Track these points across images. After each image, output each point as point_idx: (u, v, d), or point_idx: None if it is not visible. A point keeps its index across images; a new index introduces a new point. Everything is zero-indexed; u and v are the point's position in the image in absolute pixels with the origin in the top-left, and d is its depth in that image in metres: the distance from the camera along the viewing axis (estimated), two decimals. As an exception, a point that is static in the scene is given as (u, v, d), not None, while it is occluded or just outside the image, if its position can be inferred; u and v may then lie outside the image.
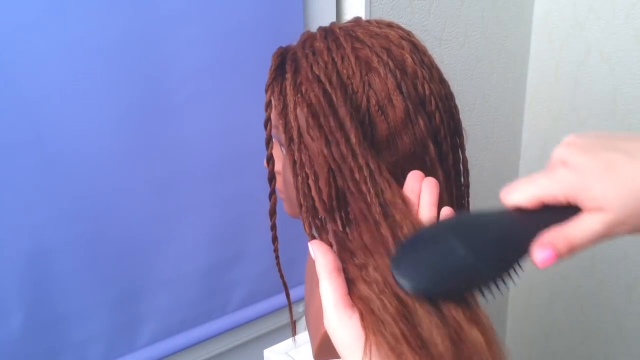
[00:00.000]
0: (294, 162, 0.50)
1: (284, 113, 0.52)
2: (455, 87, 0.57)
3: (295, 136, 0.50)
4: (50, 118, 0.74)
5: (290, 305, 0.65)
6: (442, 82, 0.55)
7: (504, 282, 0.39)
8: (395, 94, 0.50)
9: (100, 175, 0.80)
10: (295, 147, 0.50)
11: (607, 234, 0.38)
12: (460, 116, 0.57)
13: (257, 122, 0.56)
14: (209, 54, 0.85)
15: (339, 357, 0.58)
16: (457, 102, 0.57)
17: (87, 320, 0.84)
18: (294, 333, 0.67)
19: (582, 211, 0.39)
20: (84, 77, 0.75)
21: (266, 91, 0.55)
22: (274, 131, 0.56)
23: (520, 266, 0.39)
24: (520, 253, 0.40)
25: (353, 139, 0.48)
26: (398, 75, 0.51)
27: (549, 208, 0.40)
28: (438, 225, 0.42)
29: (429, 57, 0.55)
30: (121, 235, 0.84)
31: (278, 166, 0.59)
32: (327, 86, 0.50)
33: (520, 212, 0.41)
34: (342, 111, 0.49)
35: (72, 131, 0.76)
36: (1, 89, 0.70)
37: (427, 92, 0.52)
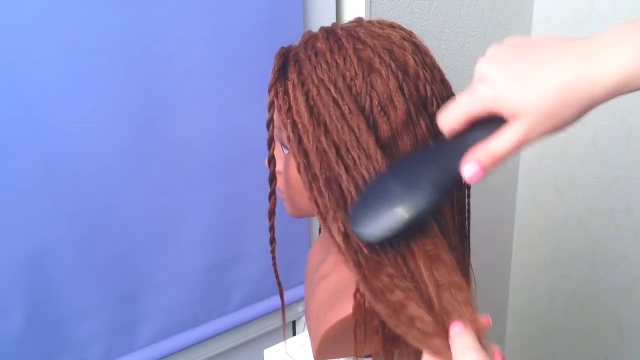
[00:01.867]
0: (302, 164, 0.50)
1: (289, 114, 0.52)
2: (455, 87, 0.57)
3: (303, 137, 0.51)
4: (50, 118, 0.74)
5: (283, 307, 0.65)
6: (444, 83, 0.55)
7: (444, 201, 0.46)
8: (397, 95, 0.50)
9: (100, 175, 0.80)
10: (301, 148, 0.51)
11: (527, 140, 0.42)
12: None
13: (257, 122, 0.56)
14: (209, 54, 0.85)
15: (339, 357, 0.59)
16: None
17: (87, 320, 0.84)
18: (284, 334, 0.67)
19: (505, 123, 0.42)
20: (84, 77, 0.75)
21: (269, 92, 0.55)
22: (276, 131, 0.56)
23: (452, 187, 0.46)
24: (450, 175, 0.44)
25: (367, 142, 0.49)
26: (400, 77, 0.51)
27: (480, 126, 0.44)
28: (380, 173, 0.47)
29: (431, 57, 0.55)
30: (121, 235, 0.84)
31: (279, 166, 0.59)
32: (333, 90, 0.50)
33: (452, 137, 0.45)
34: (352, 114, 0.49)
35: (72, 131, 0.76)
36: (1, 89, 0.70)
37: (429, 93, 0.52)
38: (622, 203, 1.27)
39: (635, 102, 1.21)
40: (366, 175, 0.48)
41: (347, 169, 0.49)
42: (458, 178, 0.44)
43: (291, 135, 0.51)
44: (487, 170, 0.42)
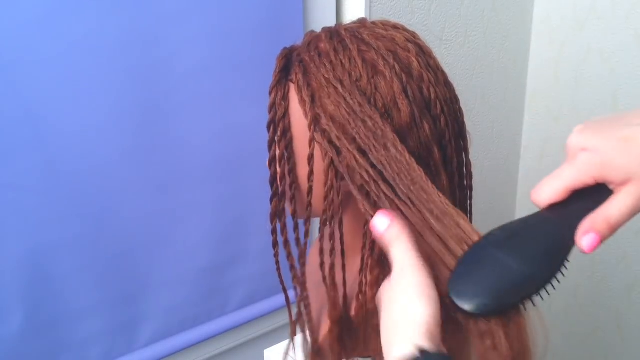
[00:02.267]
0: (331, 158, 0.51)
1: (286, 117, 0.53)
2: (455, 87, 0.57)
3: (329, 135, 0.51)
4: (50, 118, 0.74)
5: (290, 310, 0.65)
6: (448, 85, 0.55)
7: (557, 280, 0.41)
8: (401, 97, 0.50)
9: (101, 175, 0.80)
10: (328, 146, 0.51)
11: None
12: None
13: (256, 122, 0.56)
14: (209, 54, 0.85)
15: (332, 358, 0.58)
16: (461, 104, 0.57)
17: (87, 320, 0.84)
18: (292, 334, 0.66)
19: (612, 191, 0.42)
20: (84, 77, 0.75)
21: (270, 93, 0.55)
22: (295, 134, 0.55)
23: (567, 260, 0.42)
24: (567, 249, 0.42)
25: (384, 132, 0.49)
26: (404, 79, 0.50)
27: (580, 196, 0.42)
28: (481, 243, 0.43)
29: (435, 59, 0.55)
30: (121, 235, 0.84)
31: (284, 169, 0.58)
32: (340, 88, 0.50)
33: (552, 209, 0.43)
34: (364, 108, 0.49)
35: (72, 131, 0.76)
36: (1, 89, 0.70)
37: (433, 95, 0.52)
38: (622, 203, 1.27)
39: (635, 102, 1.21)
40: (387, 165, 0.48)
41: (369, 163, 0.49)
42: (569, 253, 0.42)
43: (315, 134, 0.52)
44: (604, 239, 0.42)
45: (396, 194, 0.48)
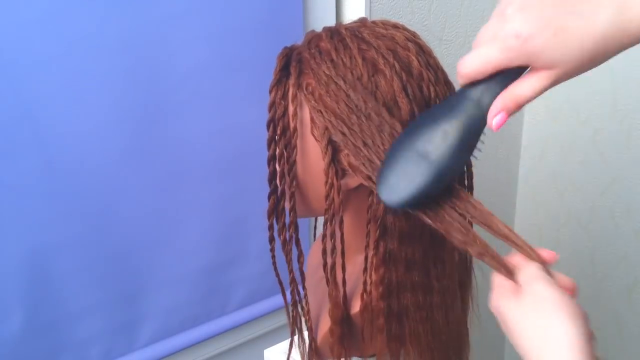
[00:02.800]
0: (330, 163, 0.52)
1: (285, 116, 0.53)
2: (455, 87, 0.57)
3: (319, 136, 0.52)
4: (50, 118, 0.74)
5: (287, 305, 0.65)
6: (448, 84, 0.55)
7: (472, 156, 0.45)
8: (400, 96, 0.50)
9: (101, 175, 0.80)
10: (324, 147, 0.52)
11: (552, 86, 0.42)
12: None
13: (257, 122, 0.56)
14: (209, 54, 0.85)
15: (333, 358, 0.59)
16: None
17: (87, 320, 0.84)
18: (292, 334, 0.67)
19: (527, 69, 0.42)
20: (84, 77, 0.75)
21: (270, 92, 0.55)
22: (303, 129, 0.55)
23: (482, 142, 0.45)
24: (479, 130, 0.45)
25: (393, 125, 0.49)
26: (404, 77, 0.51)
27: (500, 73, 0.44)
28: (400, 137, 0.47)
29: (435, 58, 0.55)
30: (121, 235, 0.84)
31: (283, 166, 0.58)
32: (343, 84, 0.50)
33: (469, 86, 0.45)
34: (368, 103, 0.49)
35: (72, 131, 0.76)
36: (1, 89, 0.70)
37: (433, 94, 0.52)
38: (622, 203, 1.27)
39: (635, 102, 1.21)
40: None
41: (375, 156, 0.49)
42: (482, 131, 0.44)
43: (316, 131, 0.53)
44: (510, 115, 0.43)
45: None
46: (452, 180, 0.46)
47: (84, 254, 0.81)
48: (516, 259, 0.45)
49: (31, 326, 0.79)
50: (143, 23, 0.78)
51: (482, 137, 0.47)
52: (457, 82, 0.57)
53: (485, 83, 0.44)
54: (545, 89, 0.42)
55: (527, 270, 0.43)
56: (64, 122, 0.75)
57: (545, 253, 0.45)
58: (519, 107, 0.43)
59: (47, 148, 0.75)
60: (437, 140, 0.44)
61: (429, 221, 0.46)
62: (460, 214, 0.47)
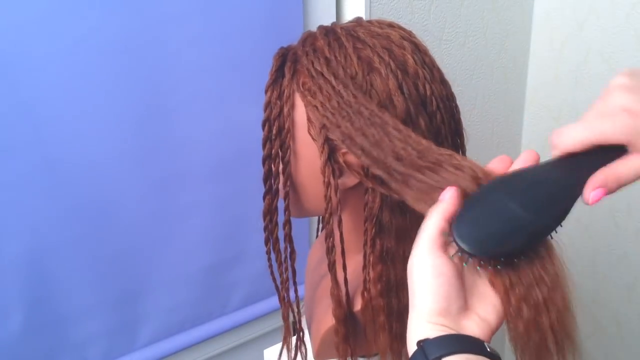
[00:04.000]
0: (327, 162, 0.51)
1: (288, 112, 0.53)
2: (455, 87, 0.57)
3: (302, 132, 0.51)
4: (50, 118, 0.74)
5: (282, 308, 0.65)
6: (443, 82, 0.55)
7: (558, 227, 0.43)
8: (396, 94, 0.50)
9: (100, 175, 0.80)
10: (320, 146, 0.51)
11: None
12: (461, 116, 0.57)
13: (257, 122, 0.56)
14: (209, 54, 0.85)
15: (338, 357, 0.59)
16: (457, 102, 0.57)
17: (87, 320, 0.84)
18: (287, 334, 0.67)
19: (626, 151, 0.42)
20: (83, 77, 0.75)
21: (266, 92, 0.55)
22: (301, 130, 0.55)
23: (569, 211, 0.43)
24: (573, 199, 0.43)
25: (383, 120, 0.48)
26: (399, 76, 0.51)
27: (592, 150, 0.43)
28: (489, 187, 0.44)
29: (430, 57, 0.55)
30: (121, 235, 0.84)
31: (279, 167, 0.59)
32: (333, 81, 0.50)
33: (566, 157, 0.44)
34: (358, 99, 0.49)
35: (72, 131, 0.76)
36: (1, 89, 0.70)
37: (428, 92, 0.52)
38: (622, 203, 1.27)
39: (635, 102, 1.21)
40: (391, 147, 0.48)
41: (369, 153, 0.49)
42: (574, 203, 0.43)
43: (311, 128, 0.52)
44: (608, 194, 0.43)
45: (404, 173, 0.47)
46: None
47: (83, 254, 0.81)
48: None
49: (31, 326, 0.79)
50: (143, 23, 0.78)
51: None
52: (453, 81, 0.57)
53: (582, 157, 0.43)
54: None
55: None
56: (64, 121, 0.75)
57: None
58: (619, 186, 0.42)
59: (47, 148, 0.75)
60: (532, 199, 0.42)
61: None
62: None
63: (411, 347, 0.40)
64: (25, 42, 0.70)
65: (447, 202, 0.42)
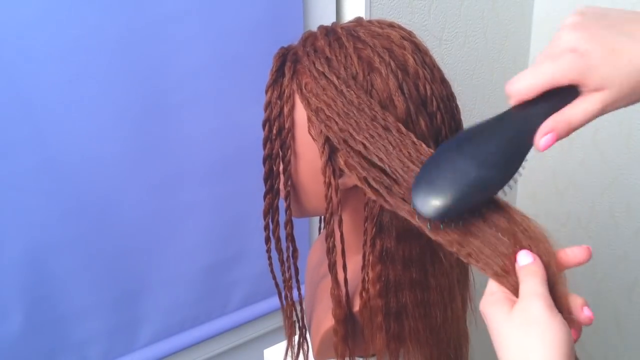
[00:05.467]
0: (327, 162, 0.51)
1: (290, 113, 0.53)
2: (455, 87, 0.57)
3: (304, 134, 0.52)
4: (50, 118, 0.74)
5: (284, 307, 0.65)
6: (444, 82, 0.55)
7: (514, 181, 0.43)
8: (396, 94, 0.50)
9: (100, 175, 0.80)
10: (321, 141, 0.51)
11: (604, 111, 0.42)
12: (461, 116, 0.57)
13: (257, 122, 0.56)
14: (209, 54, 0.85)
15: (337, 357, 0.59)
16: (457, 102, 0.57)
17: (87, 320, 0.84)
18: (292, 333, 0.67)
19: (579, 93, 0.42)
20: (83, 77, 0.75)
21: (266, 92, 0.55)
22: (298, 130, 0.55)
23: (525, 160, 0.43)
24: (526, 149, 0.43)
25: (386, 121, 0.48)
26: (400, 76, 0.51)
27: (546, 95, 0.43)
28: (444, 146, 0.45)
29: (431, 57, 0.55)
30: (121, 235, 0.84)
31: (279, 167, 0.59)
32: (335, 80, 0.50)
33: (521, 106, 0.44)
34: (361, 99, 0.49)
35: (72, 131, 0.76)
36: (1, 89, 0.70)
37: (429, 92, 0.52)
38: (622, 203, 1.27)
39: (635, 102, 1.21)
40: (391, 149, 0.48)
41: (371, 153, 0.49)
42: (527, 152, 0.43)
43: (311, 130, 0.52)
44: (559, 139, 0.43)
45: (402, 179, 0.47)
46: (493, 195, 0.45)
47: (83, 254, 0.81)
48: (520, 255, 0.43)
49: (31, 326, 0.79)
50: (143, 23, 0.78)
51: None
52: (453, 81, 0.57)
53: (536, 103, 0.43)
54: (596, 113, 0.41)
55: (527, 284, 0.41)
56: (64, 121, 0.75)
57: (569, 256, 0.44)
58: (569, 130, 0.42)
59: (47, 147, 0.75)
60: (483, 155, 0.43)
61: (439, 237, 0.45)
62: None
63: None
64: (25, 41, 0.70)
65: (539, 268, 0.42)
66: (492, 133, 0.44)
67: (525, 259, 0.42)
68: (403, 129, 0.48)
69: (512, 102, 0.45)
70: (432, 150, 0.47)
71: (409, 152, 0.47)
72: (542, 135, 0.42)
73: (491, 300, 0.42)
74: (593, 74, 0.40)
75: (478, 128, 0.45)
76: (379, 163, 0.48)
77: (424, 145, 0.47)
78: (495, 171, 0.43)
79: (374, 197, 0.48)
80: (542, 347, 0.37)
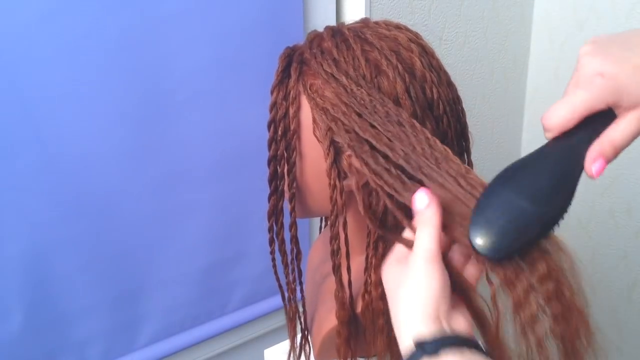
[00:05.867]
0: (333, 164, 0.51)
1: (297, 114, 0.53)
2: (457, 88, 0.57)
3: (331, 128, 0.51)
4: (50, 118, 0.74)
5: (287, 308, 0.65)
6: (450, 85, 0.55)
7: (566, 212, 0.43)
8: (403, 97, 0.50)
9: (100, 175, 0.80)
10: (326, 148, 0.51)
11: None
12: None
13: (257, 122, 0.56)
14: (209, 54, 0.85)
15: (339, 358, 0.58)
16: (463, 105, 0.57)
17: (87, 320, 0.84)
18: (294, 333, 0.67)
19: (615, 115, 0.43)
20: (84, 77, 0.75)
21: (272, 93, 0.55)
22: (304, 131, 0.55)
23: (575, 190, 0.43)
24: (575, 180, 0.43)
25: (400, 116, 0.48)
26: (407, 79, 0.50)
27: (585, 122, 0.43)
28: (494, 187, 0.44)
29: (437, 60, 0.55)
30: (121, 235, 0.84)
31: (303, 166, 0.58)
32: (345, 80, 0.50)
33: (561, 137, 0.44)
34: (373, 96, 0.49)
35: (72, 131, 0.76)
36: (1, 89, 0.70)
37: (435, 96, 0.52)
38: (622, 203, 1.27)
39: (635, 102, 1.21)
40: (405, 150, 0.47)
41: (386, 153, 0.48)
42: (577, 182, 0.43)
43: (318, 130, 0.52)
44: (609, 162, 0.43)
45: (421, 175, 0.47)
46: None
47: (83, 254, 0.81)
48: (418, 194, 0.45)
49: (31, 326, 0.78)
50: (143, 23, 0.78)
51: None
52: (453, 81, 0.57)
53: (574, 133, 0.43)
54: (635, 131, 0.42)
55: (418, 236, 0.44)
56: (64, 121, 0.75)
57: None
58: (616, 152, 0.43)
59: (47, 148, 0.75)
60: (540, 192, 0.43)
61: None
62: None
63: (405, 349, 0.41)
64: (25, 41, 0.70)
65: (433, 213, 0.44)
66: (542, 168, 0.44)
67: (421, 201, 0.44)
68: (417, 125, 0.48)
69: (551, 135, 0.45)
70: (445, 147, 0.47)
71: (422, 149, 0.47)
72: (592, 162, 0.43)
73: (389, 260, 0.46)
74: (624, 93, 0.41)
75: (525, 164, 0.45)
76: (396, 159, 0.47)
77: (437, 142, 0.47)
78: (550, 206, 0.43)
79: (385, 198, 0.48)
80: (414, 295, 0.42)
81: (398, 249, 0.47)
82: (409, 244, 0.45)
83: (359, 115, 0.49)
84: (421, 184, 0.46)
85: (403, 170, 0.47)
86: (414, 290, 0.42)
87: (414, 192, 0.46)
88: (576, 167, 0.43)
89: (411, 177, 0.47)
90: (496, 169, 0.45)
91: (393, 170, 0.47)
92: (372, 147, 0.48)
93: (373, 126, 0.49)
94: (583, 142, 0.43)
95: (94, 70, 0.76)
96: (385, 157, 0.48)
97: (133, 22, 0.77)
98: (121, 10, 0.76)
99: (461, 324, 0.43)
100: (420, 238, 0.43)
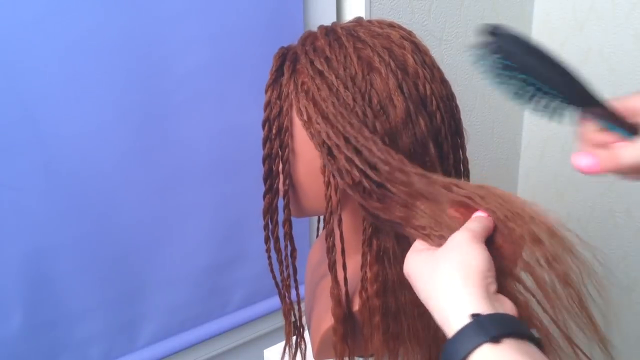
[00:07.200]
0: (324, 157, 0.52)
1: (289, 112, 0.54)
2: (455, 87, 0.57)
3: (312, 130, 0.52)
4: (50, 118, 0.74)
5: (283, 306, 0.65)
6: (443, 82, 0.55)
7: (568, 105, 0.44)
8: (396, 94, 0.50)
9: (101, 175, 0.80)
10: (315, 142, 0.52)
11: None
12: (461, 116, 0.57)
13: (257, 122, 0.56)
14: (209, 54, 0.85)
15: (336, 357, 0.59)
16: (457, 102, 0.57)
17: (87, 320, 0.84)
18: (290, 332, 0.67)
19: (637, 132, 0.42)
20: (84, 77, 0.75)
21: (266, 92, 0.56)
22: (299, 132, 0.55)
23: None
24: (588, 100, 0.44)
25: (375, 128, 0.49)
26: (399, 75, 0.51)
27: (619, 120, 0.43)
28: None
29: (430, 57, 0.55)
30: (121, 235, 0.84)
31: (279, 167, 0.59)
32: (334, 80, 0.50)
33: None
34: (357, 102, 0.49)
35: (72, 131, 0.76)
36: (1, 89, 0.70)
37: (428, 92, 0.52)
38: (622, 203, 1.27)
39: (635, 102, 1.21)
40: (382, 158, 0.48)
41: (359, 159, 0.49)
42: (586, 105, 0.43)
43: (307, 130, 0.52)
44: (602, 172, 0.42)
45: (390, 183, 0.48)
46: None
47: (84, 254, 0.81)
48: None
49: (31, 326, 0.79)
50: (143, 23, 0.78)
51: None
52: (453, 81, 0.57)
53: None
54: None
55: (465, 225, 0.43)
56: (64, 122, 0.75)
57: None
58: (616, 167, 0.42)
59: (48, 148, 0.75)
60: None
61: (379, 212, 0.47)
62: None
63: (453, 323, 0.38)
64: (25, 42, 0.70)
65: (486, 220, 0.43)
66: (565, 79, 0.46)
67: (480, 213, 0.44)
68: (386, 141, 0.49)
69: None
70: (415, 166, 0.48)
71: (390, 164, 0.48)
72: (586, 155, 0.42)
73: (415, 250, 0.45)
74: None
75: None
76: (372, 160, 0.48)
77: (405, 161, 0.48)
78: (572, 83, 0.45)
79: (359, 199, 0.49)
80: (461, 270, 0.39)
81: (416, 244, 0.47)
82: (421, 229, 0.46)
83: (335, 117, 0.49)
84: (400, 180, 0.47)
85: (369, 178, 0.49)
86: (461, 266, 0.40)
87: (377, 201, 0.47)
88: (591, 101, 0.44)
89: (381, 186, 0.48)
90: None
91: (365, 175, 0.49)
92: (354, 147, 0.49)
93: (352, 126, 0.49)
94: (599, 101, 0.43)
95: (94, 70, 0.76)
96: (361, 155, 0.49)
97: (133, 22, 0.77)
98: (121, 11, 0.76)
99: (510, 308, 0.40)
100: (470, 222, 0.43)
